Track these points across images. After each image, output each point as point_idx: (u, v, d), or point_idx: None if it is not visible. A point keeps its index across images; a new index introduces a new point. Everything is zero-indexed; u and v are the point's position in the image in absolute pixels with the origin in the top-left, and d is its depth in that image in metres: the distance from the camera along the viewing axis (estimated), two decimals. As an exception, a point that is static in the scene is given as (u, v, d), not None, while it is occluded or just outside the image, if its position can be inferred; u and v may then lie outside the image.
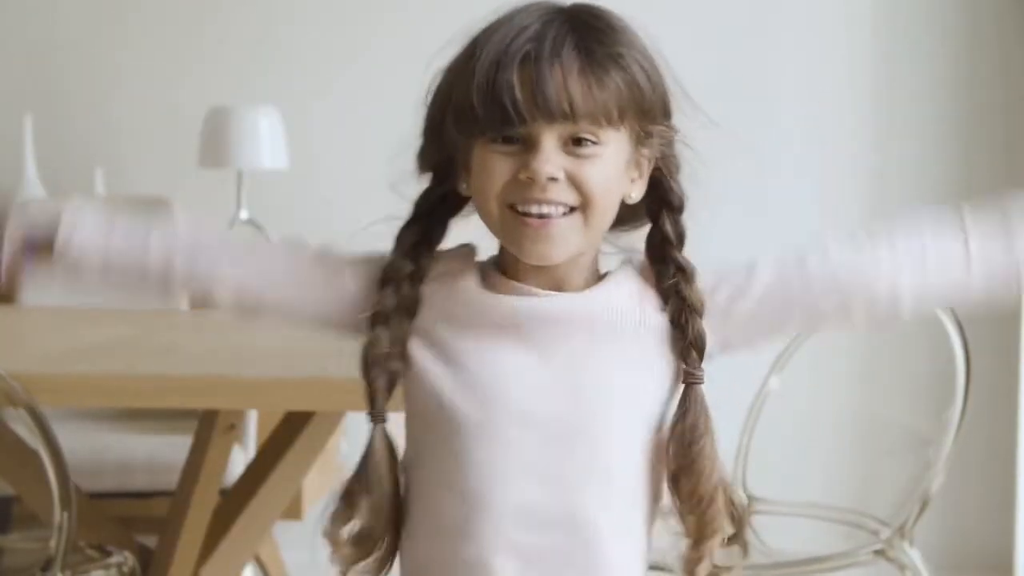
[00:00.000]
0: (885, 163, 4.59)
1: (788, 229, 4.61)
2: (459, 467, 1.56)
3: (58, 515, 2.71)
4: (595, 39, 1.55)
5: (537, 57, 1.53)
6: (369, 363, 1.61)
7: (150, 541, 3.24)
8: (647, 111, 1.57)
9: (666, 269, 1.65)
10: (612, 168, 1.56)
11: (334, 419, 3.16)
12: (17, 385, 2.64)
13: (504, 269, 1.62)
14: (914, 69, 4.56)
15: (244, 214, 4.51)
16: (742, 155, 4.62)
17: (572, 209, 1.55)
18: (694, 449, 1.60)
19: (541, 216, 1.54)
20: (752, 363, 3.71)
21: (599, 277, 1.64)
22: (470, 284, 1.60)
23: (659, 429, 1.61)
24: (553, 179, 1.53)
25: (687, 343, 1.64)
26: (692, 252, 1.63)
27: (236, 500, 3.17)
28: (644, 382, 1.61)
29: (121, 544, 3.05)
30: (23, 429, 2.77)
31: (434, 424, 1.58)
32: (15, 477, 3.16)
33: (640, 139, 1.59)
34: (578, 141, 1.54)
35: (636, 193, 1.62)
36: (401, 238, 1.64)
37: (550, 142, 1.53)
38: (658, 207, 1.65)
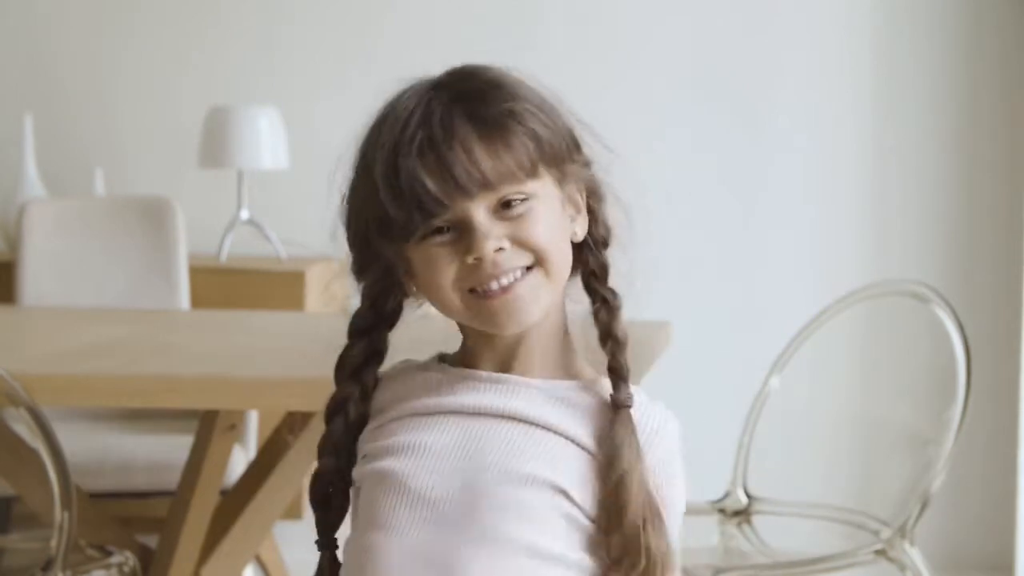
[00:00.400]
0: (884, 167, 4.59)
1: (787, 232, 4.62)
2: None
3: (59, 515, 2.71)
4: (480, 102, 1.52)
5: (432, 142, 1.50)
6: (318, 499, 1.62)
7: (151, 541, 3.24)
8: (556, 154, 1.55)
9: (593, 301, 1.61)
10: (549, 215, 1.54)
11: (335, 419, 3.15)
12: (18, 385, 2.64)
13: (465, 358, 1.60)
14: (914, 71, 4.56)
15: (244, 214, 4.51)
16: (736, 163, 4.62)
17: (529, 268, 1.53)
18: (613, 476, 1.53)
19: (504, 288, 1.52)
20: (753, 363, 3.71)
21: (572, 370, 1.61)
22: (424, 402, 1.58)
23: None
24: (500, 250, 1.51)
25: (608, 370, 1.58)
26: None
27: (237, 500, 3.17)
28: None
29: (122, 544, 3.05)
30: (24, 429, 2.77)
31: None
32: (16, 477, 3.16)
33: (561, 180, 1.56)
34: (507, 204, 1.51)
35: (580, 230, 1.59)
36: (344, 363, 1.63)
37: (481, 216, 1.50)
38: (585, 241, 1.62)
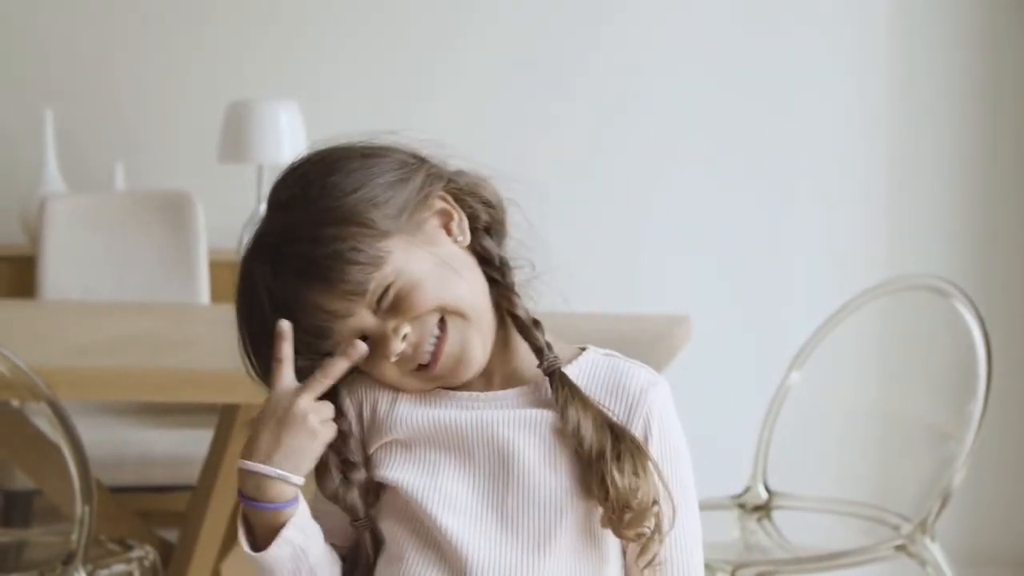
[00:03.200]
0: (905, 161, 4.58)
1: (807, 227, 4.61)
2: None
3: (79, 509, 2.72)
4: (314, 273, 1.57)
5: (286, 308, 1.58)
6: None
7: (171, 535, 3.25)
8: (384, 228, 1.58)
9: (489, 284, 1.64)
10: (421, 272, 1.58)
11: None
12: (39, 379, 2.64)
13: None
14: (934, 65, 4.55)
15: (264, 209, 4.51)
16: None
17: (441, 321, 1.58)
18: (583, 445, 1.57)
19: (435, 354, 1.58)
20: (772, 359, 3.71)
21: (567, 356, 1.64)
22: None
23: None
24: (406, 336, 1.57)
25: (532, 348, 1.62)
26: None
27: (256, 494, 3.17)
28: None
29: (142, 538, 3.05)
30: (45, 423, 2.78)
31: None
32: (37, 471, 3.17)
33: (411, 227, 1.60)
34: (380, 298, 1.57)
35: (462, 236, 1.63)
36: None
37: (370, 322, 1.57)
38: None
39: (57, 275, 4.16)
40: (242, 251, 1.66)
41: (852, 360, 3.43)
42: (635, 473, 1.55)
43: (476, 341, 1.59)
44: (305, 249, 1.58)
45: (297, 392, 1.58)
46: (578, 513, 1.58)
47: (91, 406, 3.98)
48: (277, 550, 1.58)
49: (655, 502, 1.56)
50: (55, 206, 4.21)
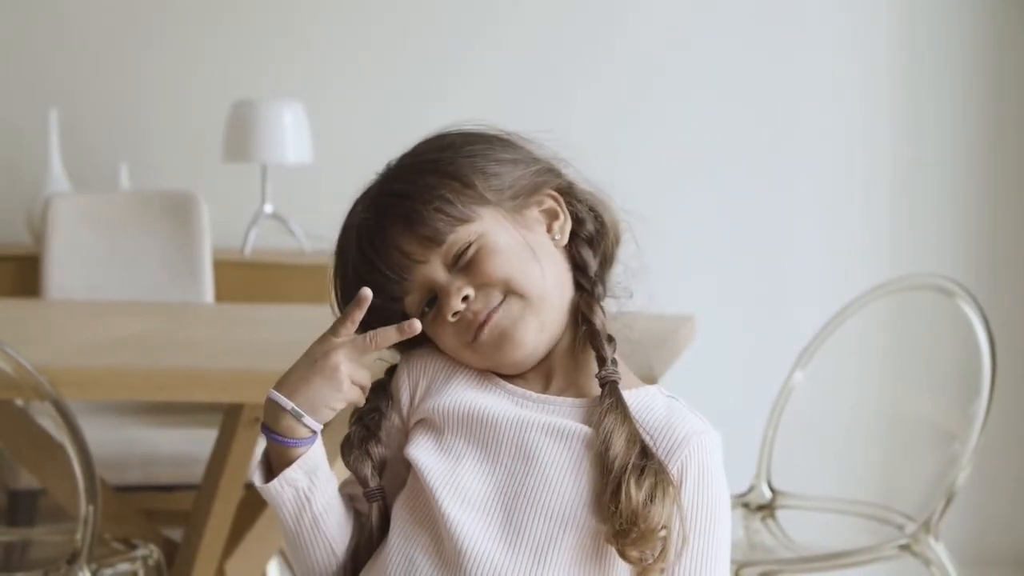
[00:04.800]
0: (910, 161, 4.58)
1: (812, 226, 4.61)
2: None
3: (84, 508, 2.72)
4: (400, 214, 1.62)
5: (369, 244, 1.63)
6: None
7: (175, 534, 3.25)
8: (486, 193, 1.63)
9: (576, 291, 1.67)
10: (503, 244, 1.62)
11: (358, 413, 3.16)
12: (43, 379, 2.64)
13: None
14: (940, 65, 4.55)
15: (269, 208, 4.52)
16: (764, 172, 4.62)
17: (502, 300, 1.61)
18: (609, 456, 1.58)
19: (482, 322, 1.61)
20: (777, 358, 3.71)
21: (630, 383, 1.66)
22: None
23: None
24: (466, 299, 1.61)
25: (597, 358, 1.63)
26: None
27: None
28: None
29: (146, 537, 3.05)
30: (49, 422, 2.78)
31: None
32: (41, 470, 3.17)
33: (514, 207, 1.64)
34: (458, 255, 1.61)
35: (560, 236, 1.67)
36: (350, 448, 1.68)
37: (440, 275, 1.61)
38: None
39: (62, 274, 4.16)
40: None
41: (856, 359, 3.43)
42: (652, 492, 1.54)
43: (531, 325, 1.61)
44: (400, 189, 1.63)
45: (340, 345, 1.60)
46: (587, 531, 1.57)
47: (95, 405, 3.99)
48: (278, 486, 1.63)
49: (664, 527, 1.54)
50: (60, 205, 4.21)
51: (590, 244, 1.68)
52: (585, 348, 1.64)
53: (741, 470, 3.42)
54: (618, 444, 1.56)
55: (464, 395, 1.63)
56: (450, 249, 1.60)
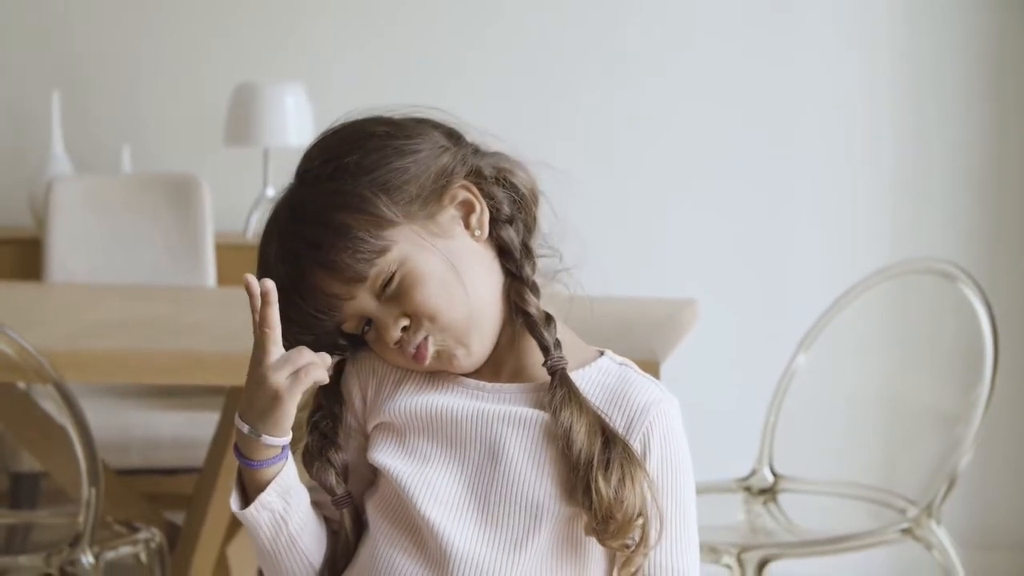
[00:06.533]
0: (912, 145, 4.57)
1: (815, 210, 4.60)
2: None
3: (86, 491, 2.72)
4: (316, 261, 1.57)
5: (294, 291, 1.58)
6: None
7: (177, 517, 3.25)
8: (392, 213, 1.58)
9: (504, 277, 1.64)
10: (425, 270, 1.58)
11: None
12: (45, 361, 2.65)
13: None
14: (943, 50, 4.54)
15: (271, 192, 4.52)
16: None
17: (438, 328, 1.59)
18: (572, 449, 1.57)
19: (418, 350, 1.59)
20: (779, 342, 3.71)
21: (581, 359, 1.64)
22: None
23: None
24: (406, 328, 1.58)
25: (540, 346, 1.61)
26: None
27: (263, 477, 3.17)
28: None
29: (148, 520, 3.06)
30: (51, 405, 2.79)
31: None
32: (43, 453, 3.17)
33: (426, 214, 1.60)
34: (384, 285, 1.58)
35: (480, 231, 1.62)
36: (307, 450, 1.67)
37: (372, 306, 1.59)
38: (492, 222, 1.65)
39: (64, 258, 4.16)
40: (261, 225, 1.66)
41: (858, 343, 3.43)
42: (622, 482, 1.54)
43: (472, 342, 1.59)
44: (309, 233, 1.58)
45: (271, 368, 1.57)
46: (560, 517, 1.57)
47: (97, 388, 3.99)
48: (255, 512, 1.61)
49: (640, 514, 1.54)
50: (62, 189, 4.21)
51: (510, 223, 1.63)
52: (525, 335, 1.61)
53: (743, 454, 3.43)
54: (579, 439, 1.55)
55: (421, 396, 1.61)
56: (375, 282, 1.57)
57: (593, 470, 1.54)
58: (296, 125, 4.45)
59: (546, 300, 1.63)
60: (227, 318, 3.23)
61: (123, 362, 2.72)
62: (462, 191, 1.61)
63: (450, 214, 1.60)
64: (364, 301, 1.58)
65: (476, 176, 1.62)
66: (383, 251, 1.56)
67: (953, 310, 3.16)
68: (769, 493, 3.25)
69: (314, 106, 4.50)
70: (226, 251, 4.33)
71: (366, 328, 1.61)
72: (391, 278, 1.57)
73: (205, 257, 4.22)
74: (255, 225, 4.53)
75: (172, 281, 4.14)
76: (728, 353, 4.50)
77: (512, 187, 1.64)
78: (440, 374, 1.62)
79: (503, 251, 1.62)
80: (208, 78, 4.77)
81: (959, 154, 4.54)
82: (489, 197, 1.62)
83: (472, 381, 1.62)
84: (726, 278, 4.57)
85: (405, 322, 1.58)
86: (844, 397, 3.48)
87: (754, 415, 3.42)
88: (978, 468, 4.04)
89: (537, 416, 1.58)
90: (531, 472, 1.57)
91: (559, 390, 1.57)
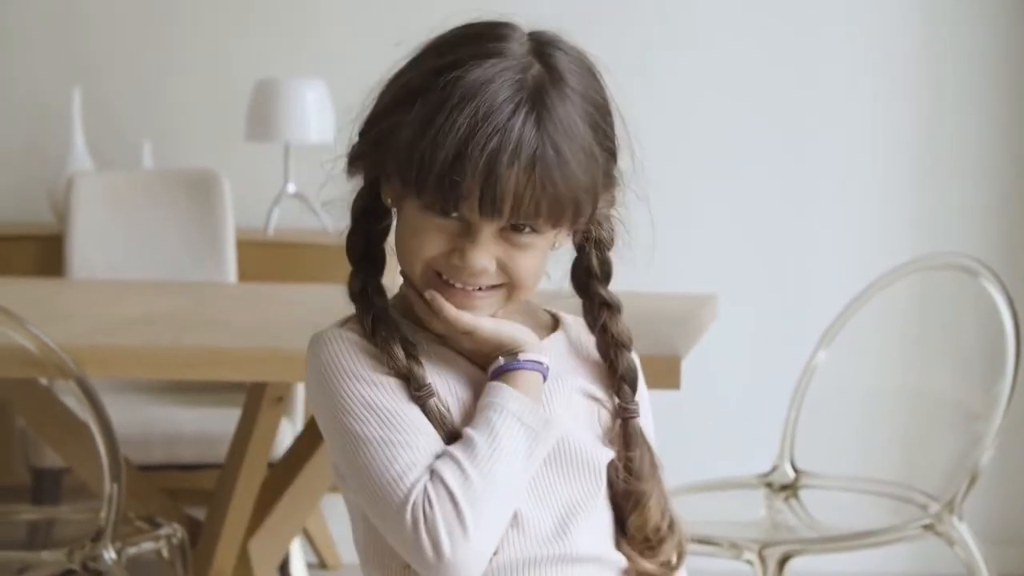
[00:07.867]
0: (934, 140, 4.56)
1: (835, 205, 4.60)
2: None
3: (108, 487, 2.73)
4: (553, 132, 1.49)
5: (496, 157, 1.47)
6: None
7: (199, 513, 3.26)
8: (580, 215, 1.52)
9: (591, 304, 1.62)
10: (542, 251, 1.53)
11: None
12: (67, 357, 2.65)
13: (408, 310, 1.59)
14: (964, 44, 4.53)
15: (292, 187, 4.52)
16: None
17: (496, 286, 1.53)
18: (638, 486, 1.57)
19: (465, 292, 1.52)
20: (800, 338, 3.70)
21: (545, 323, 1.63)
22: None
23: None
24: (483, 269, 1.50)
25: (618, 378, 1.59)
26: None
27: (284, 473, 3.18)
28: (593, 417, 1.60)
29: (170, 516, 3.06)
30: (73, 401, 2.79)
31: None
32: (65, 449, 3.18)
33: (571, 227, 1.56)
34: (517, 227, 1.50)
35: (561, 238, 1.57)
36: (350, 249, 1.69)
37: (488, 233, 1.50)
38: (584, 240, 1.61)
39: (85, 253, 4.17)
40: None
41: (880, 339, 3.42)
42: (653, 519, 1.57)
43: (489, 311, 1.53)
44: (560, 140, 1.49)
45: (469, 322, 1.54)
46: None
47: (119, 384, 4.00)
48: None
49: (668, 520, 1.58)
50: (83, 184, 4.22)
51: (609, 248, 1.62)
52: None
53: (764, 450, 3.42)
54: (652, 514, 1.57)
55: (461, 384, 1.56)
56: (521, 223, 1.49)
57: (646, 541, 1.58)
58: (316, 121, 4.45)
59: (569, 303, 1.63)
60: (248, 314, 3.23)
61: (144, 358, 2.72)
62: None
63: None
64: (490, 230, 1.49)
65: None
66: (553, 225, 1.51)
67: (974, 305, 3.15)
68: (790, 489, 3.25)
69: (334, 102, 4.50)
70: (247, 247, 4.34)
71: (439, 219, 1.50)
72: (528, 230, 1.49)
73: (226, 253, 4.22)
74: (276, 221, 4.53)
75: (193, 277, 4.15)
76: (748, 349, 4.50)
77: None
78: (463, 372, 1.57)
79: (596, 275, 1.62)
80: (229, 74, 4.78)
81: (979, 149, 4.53)
82: (598, 222, 1.61)
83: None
84: (746, 274, 4.56)
85: (492, 265, 1.50)
86: (865, 393, 3.47)
87: (775, 411, 3.41)
88: (1000, 464, 4.02)
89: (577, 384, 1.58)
90: (583, 434, 1.57)
91: (631, 438, 1.58)
